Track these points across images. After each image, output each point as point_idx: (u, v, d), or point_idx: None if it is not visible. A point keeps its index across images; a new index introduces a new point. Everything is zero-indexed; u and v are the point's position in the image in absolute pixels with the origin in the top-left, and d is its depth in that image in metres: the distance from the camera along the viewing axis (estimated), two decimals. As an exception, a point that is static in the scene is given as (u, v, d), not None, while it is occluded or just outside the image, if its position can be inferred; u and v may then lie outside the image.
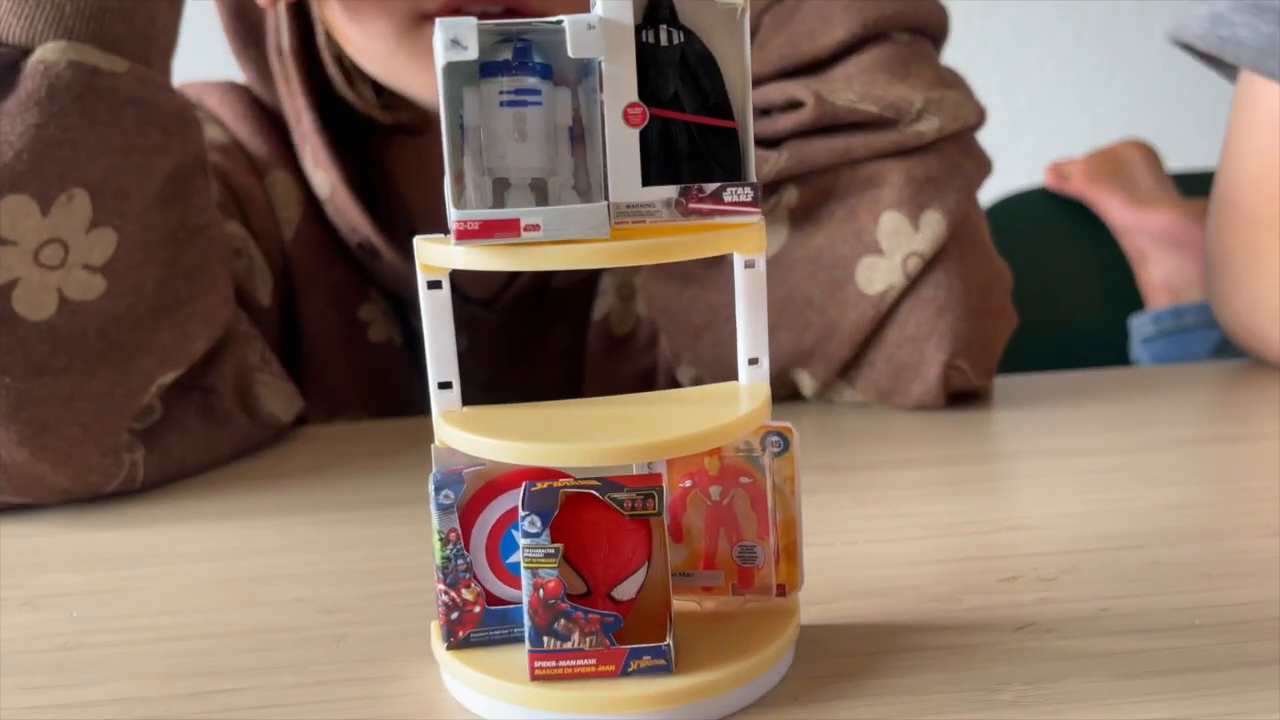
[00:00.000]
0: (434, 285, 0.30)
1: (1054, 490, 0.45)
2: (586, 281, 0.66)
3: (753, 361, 0.32)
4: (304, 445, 0.56)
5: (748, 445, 0.31)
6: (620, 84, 0.27)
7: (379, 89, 0.61)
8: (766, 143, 0.56)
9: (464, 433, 0.29)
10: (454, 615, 0.30)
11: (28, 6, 0.46)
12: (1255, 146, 0.62)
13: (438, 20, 0.26)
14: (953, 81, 0.57)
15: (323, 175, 0.62)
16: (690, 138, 0.29)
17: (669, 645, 0.28)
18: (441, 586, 0.30)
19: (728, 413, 0.29)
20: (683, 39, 0.28)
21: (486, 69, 0.27)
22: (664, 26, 0.28)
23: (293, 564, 0.41)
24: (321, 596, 0.38)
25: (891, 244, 0.53)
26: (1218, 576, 0.36)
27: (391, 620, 0.35)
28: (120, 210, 0.47)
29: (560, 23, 0.26)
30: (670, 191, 0.28)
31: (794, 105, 0.55)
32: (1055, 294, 1.01)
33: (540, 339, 0.68)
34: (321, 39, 0.62)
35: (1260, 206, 0.61)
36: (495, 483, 0.30)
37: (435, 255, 0.28)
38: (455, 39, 0.25)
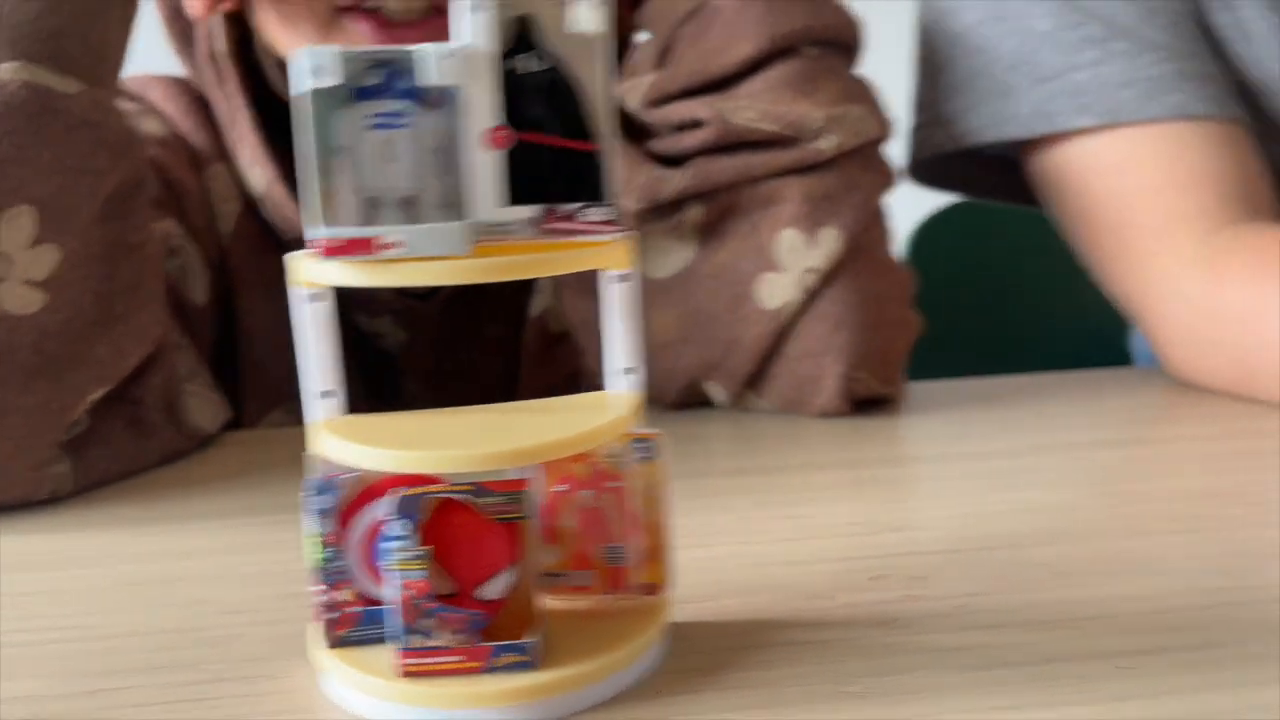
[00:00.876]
0: (316, 298, 0.31)
1: (941, 493, 0.47)
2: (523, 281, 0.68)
3: (626, 370, 0.33)
4: (230, 450, 0.57)
5: (616, 451, 0.33)
6: (481, 109, 0.29)
7: None
8: (671, 160, 0.57)
9: (338, 440, 0.30)
10: (331, 615, 0.31)
11: None
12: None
13: (303, 49, 0.27)
14: (859, 95, 0.59)
15: (259, 172, 0.63)
16: (555, 160, 0.30)
17: (532, 642, 0.30)
18: (318, 588, 0.31)
19: (592, 421, 0.31)
20: (549, 66, 0.30)
21: (357, 93, 0.29)
22: (530, 54, 0.30)
23: (204, 567, 0.42)
24: (225, 598, 0.39)
25: (789, 260, 0.55)
26: (1075, 575, 0.38)
27: (288, 620, 0.37)
28: (65, 228, 0.48)
29: (420, 51, 0.28)
30: (531, 211, 0.29)
31: (698, 124, 0.56)
32: (1056, 294, 1.03)
33: (478, 333, 0.69)
34: (256, 42, 0.64)
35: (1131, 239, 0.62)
36: (372, 488, 0.31)
37: (310, 271, 0.30)
38: (319, 66, 0.27)
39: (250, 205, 0.65)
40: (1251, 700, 0.30)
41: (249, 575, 0.41)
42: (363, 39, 0.59)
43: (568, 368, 0.67)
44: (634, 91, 0.59)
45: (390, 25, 0.59)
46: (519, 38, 0.30)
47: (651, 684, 0.32)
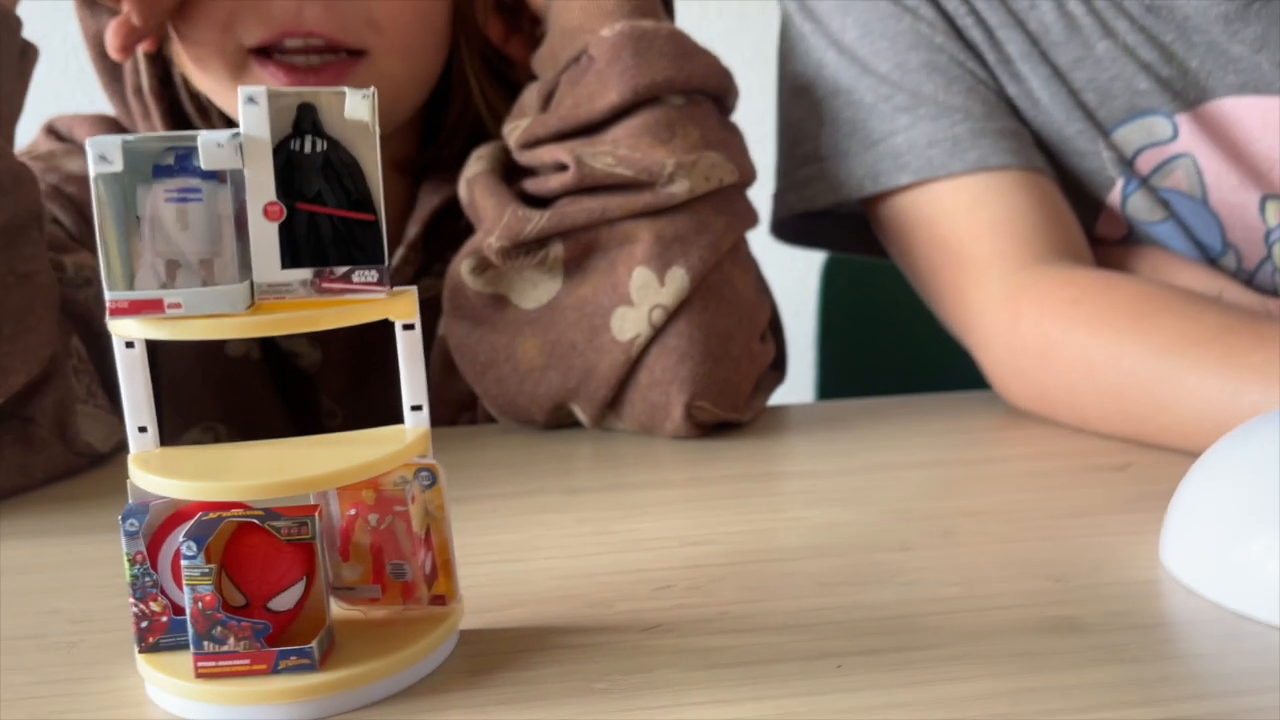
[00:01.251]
0: (129, 345, 0.36)
1: (749, 509, 0.52)
2: (432, 301, 0.72)
3: (414, 408, 0.38)
4: (120, 469, 0.61)
5: (402, 479, 0.37)
6: (259, 186, 0.33)
7: (229, 121, 0.68)
8: (537, 201, 0.62)
9: (146, 473, 0.34)
10: (143, 624, 0.36)
11: None
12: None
13: (88, 140, 0.31)
14: (719, 142, 0.63)
15: None
16: (334, 228, 0.35)
17: (313, 646, 0.34)
18: (132, 600, 0.35)
19: (375, 453, 0.35)
20: (326, 146, 0.34)
21: (156, 170, 0.33)
22: (309, 136, 0.34)
23: (66, 579, 0.46)
24: (76, 608, 0.43)
25: (640, 296, 0.59)
26: (834, 584, 0.42)
27: (126, 628, 0.41)
28: None
29: (203, 137, 0.32)
30: (305, 273, 0.34)
31: (562, 167, 0.61)
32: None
33: (388, 353, 0.74)
34: (178, 78, 0.68)
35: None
36: (181, 512, 0.36)
37: (116, 326, 0.34)
38: (102, 155, 0.31)
39: None
40: (938, 694, 0.34)
41: (99, 587, 0.45)
42: (271, 81, 0.63)
43: (468, 386, 0.72)
44: (514, 134, 0.64)
45: (295, 70, 0.63)
46: (298, 121, 0.34)
47: (429, 683, 0.36)
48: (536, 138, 0.62)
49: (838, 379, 1.17)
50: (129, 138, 0.32)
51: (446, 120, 0.72)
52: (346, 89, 0.34)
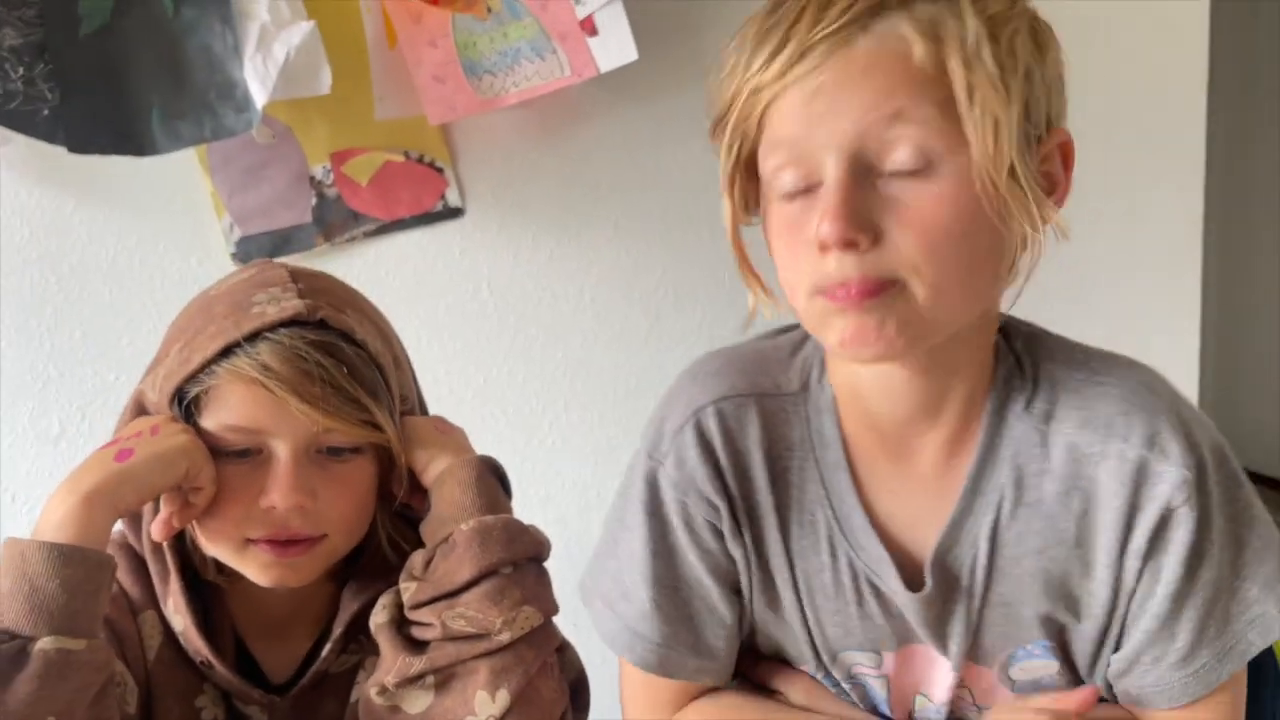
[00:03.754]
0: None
1: None
2: (350, 670, 1.00)
3: None
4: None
5: None
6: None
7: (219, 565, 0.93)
8: (420, 646, 0.88)
9: None
10: None
11: (29, 607, 0.77)
12: None
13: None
14: (534, 596, 0.89)
15: (180, 619, 0.96)
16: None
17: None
18: None
19: None
20: None
21: None
22: None
23: None
24: None
25: (481, 710, 0.88)
26: None
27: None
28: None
29: None
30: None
31: (428, 625, 0.87)
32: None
33: (320, 712, 1.01)
34: (189, 541, 0.93)
35: None
36: None
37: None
38: None
39: (169, 638, 0.97)
40: None
41: None
42: (264, 556, 0.91)
43: None
44: (406, 593, 0.88)
45: (278, 546, 0.93)
46: None
47: None
48: (419, 601, 0.88)
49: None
50: None
51: (366, 549, 0.97)
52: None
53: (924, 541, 0.83)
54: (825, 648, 0.87)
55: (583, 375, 1.63)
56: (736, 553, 0.86)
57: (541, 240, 1.61)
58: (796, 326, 0.87)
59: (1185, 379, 1.85)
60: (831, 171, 0.70)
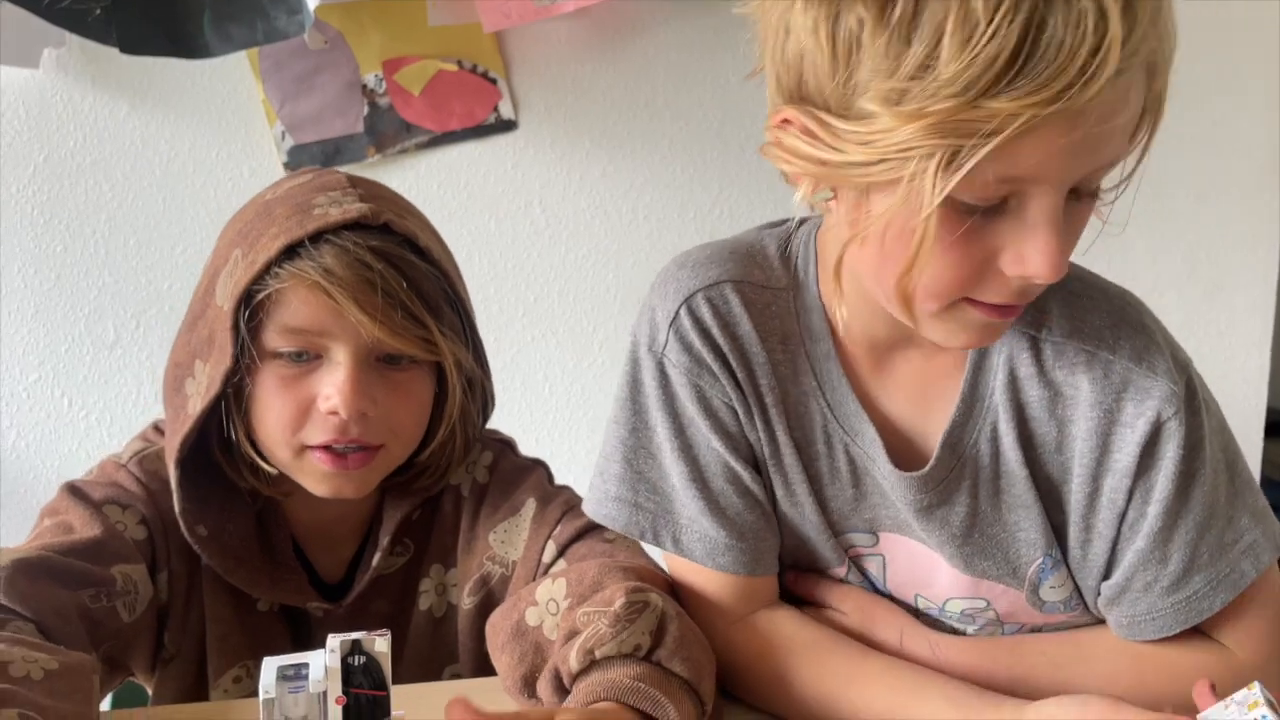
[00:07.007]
0: None
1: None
2: (395, 574, 0.99)
3: None
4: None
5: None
6: (333, 688, 0.67)
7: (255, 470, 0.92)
8: None
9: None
10: None
11: None
12: None
13: (262, 679, 0.65)
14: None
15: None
16: (370, 701, 0.68)
17: None
18: None
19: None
20: (364, 662, 0.68)
21: (280, 674, 0.67)
22: (358, 656, 0.68)
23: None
24: None
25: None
26: None
27: None
28: None
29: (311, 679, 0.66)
30: (355, 729, 0.68)
31: None
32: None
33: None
34: (243, 459, 0.94)
35: None
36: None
37: (261, 750, 0.68)
38: (267, 690, 0.65)
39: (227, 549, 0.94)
40: None
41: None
42: (321, 466, 0.91)
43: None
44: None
45: (337, 457, 0.92)
46: (357, 650, 0.68)
47: None
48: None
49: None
50: (276, 665, 0.66)
51: (417, 461, 0.96)
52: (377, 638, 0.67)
53: (918, 430, 0.83)
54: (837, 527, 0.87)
55: (635, 297, 1.60)
56: (751, 435, 0.84)
57: (595, 156, 1.59)
58: (784, 222, 0.87)
59: (1261, 306, 1.80)
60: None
